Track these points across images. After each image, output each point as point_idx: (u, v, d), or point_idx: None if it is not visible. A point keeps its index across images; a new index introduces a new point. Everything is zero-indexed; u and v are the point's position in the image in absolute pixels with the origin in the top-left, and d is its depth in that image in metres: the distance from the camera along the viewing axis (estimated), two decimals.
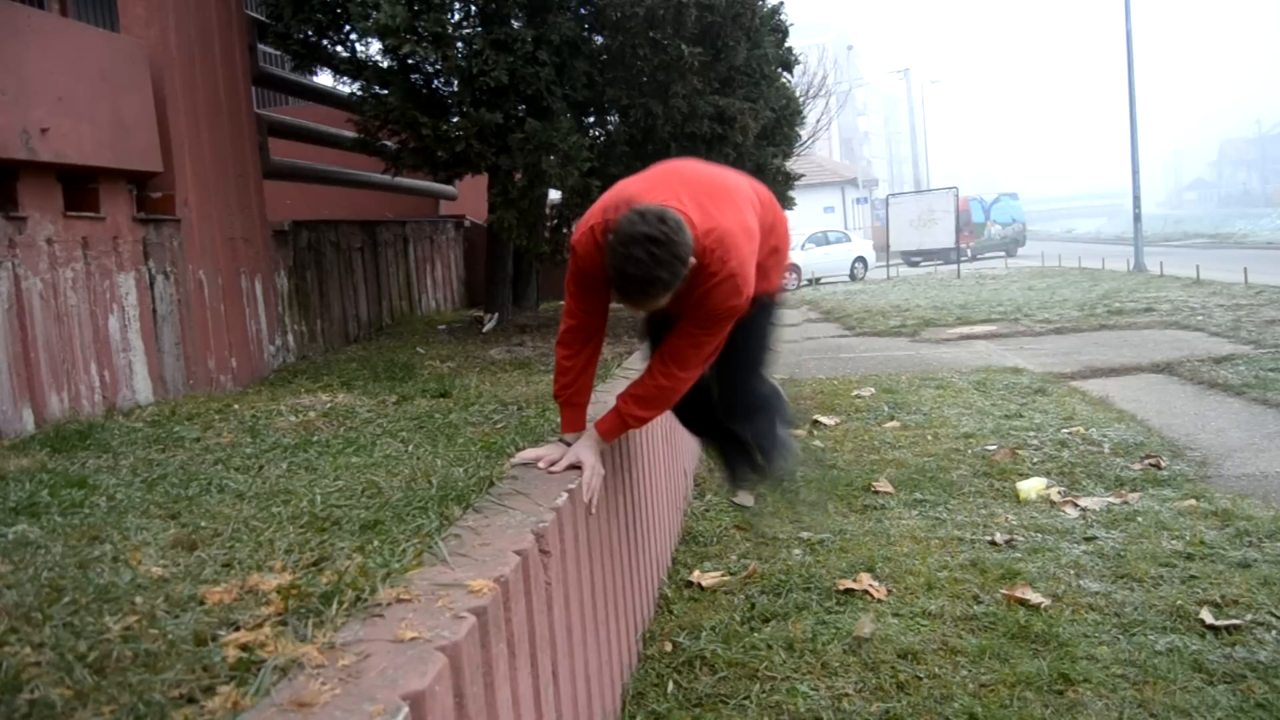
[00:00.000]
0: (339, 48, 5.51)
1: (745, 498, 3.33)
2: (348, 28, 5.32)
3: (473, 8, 5.24)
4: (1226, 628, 2.36)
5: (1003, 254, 31.11)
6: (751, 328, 2.23)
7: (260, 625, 1.17)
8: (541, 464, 1.97)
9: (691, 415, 2.62)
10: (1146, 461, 4.01)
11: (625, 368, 3.68)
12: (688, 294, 1.94)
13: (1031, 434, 4.60)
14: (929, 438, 4.66)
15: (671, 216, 1.81)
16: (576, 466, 1.95)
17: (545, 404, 3.09)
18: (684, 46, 5.06)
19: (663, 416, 3.12)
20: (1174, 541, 3.01)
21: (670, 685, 2.22)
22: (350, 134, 5.79)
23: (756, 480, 2.69)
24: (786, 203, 7.16)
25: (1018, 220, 33.63)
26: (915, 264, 24.30)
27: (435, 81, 5.38)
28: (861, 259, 24.25)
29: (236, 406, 3.24)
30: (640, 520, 2.54)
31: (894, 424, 5.01)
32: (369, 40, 5.43)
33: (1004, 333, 9.10)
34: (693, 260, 1.85)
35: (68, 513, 1.80)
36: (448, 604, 1.21)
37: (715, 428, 2.59)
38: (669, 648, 2.43)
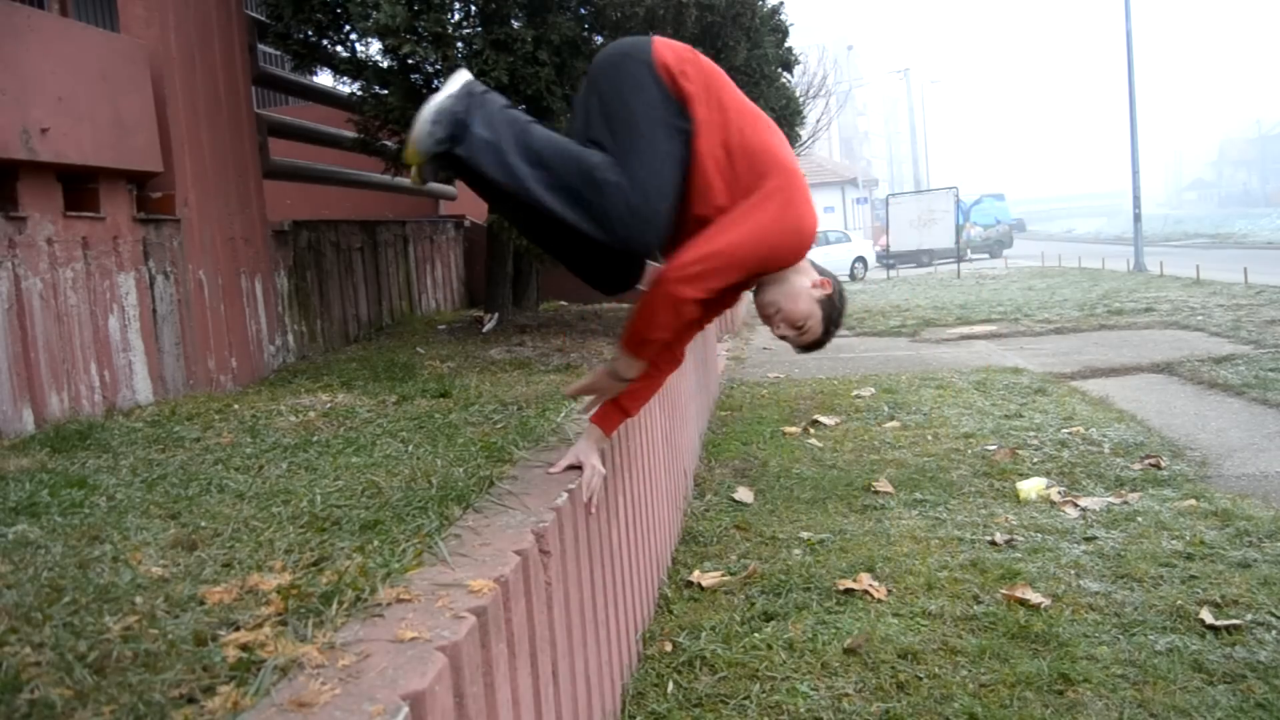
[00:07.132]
0: (339, 48, 5.50)
1: None
2: (348, 28, 5.31)
3: (473, 8, 5.23)
4: (1226, 628, 2.37)
5: (985, 255, 31.06)
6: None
7: (260, 625, 1.17)
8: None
9: None
10: (1146, 461, 4.01)
11: None
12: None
13: (1031, 434, 4.60)
14: (929, 438, 4.66)
15: None
16: (576, 467, 1.95)
17: (545, 404, 3.09)
18: None
19: (663, 417, 3.13)
20: (1174, 541, 3.01)
21: (670, 685, 2.22)
22: (350, 134, 5.78)
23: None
24: None
25: (1003, 221, 33.47)
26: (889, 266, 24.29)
27: (435, 81, 5.37)
28: (861, 259, 24.38)
29: (236, 406, 3.24)
30: (640, 520, 2.54)
31: (894, 424, 5.01)
32: (369, 40, 5.42)
33: (1004, 333, 9.11)
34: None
35: (68, 513, 1.80)
36: (448, 604, 1.21)
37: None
38: (669, 648, 2.43)
